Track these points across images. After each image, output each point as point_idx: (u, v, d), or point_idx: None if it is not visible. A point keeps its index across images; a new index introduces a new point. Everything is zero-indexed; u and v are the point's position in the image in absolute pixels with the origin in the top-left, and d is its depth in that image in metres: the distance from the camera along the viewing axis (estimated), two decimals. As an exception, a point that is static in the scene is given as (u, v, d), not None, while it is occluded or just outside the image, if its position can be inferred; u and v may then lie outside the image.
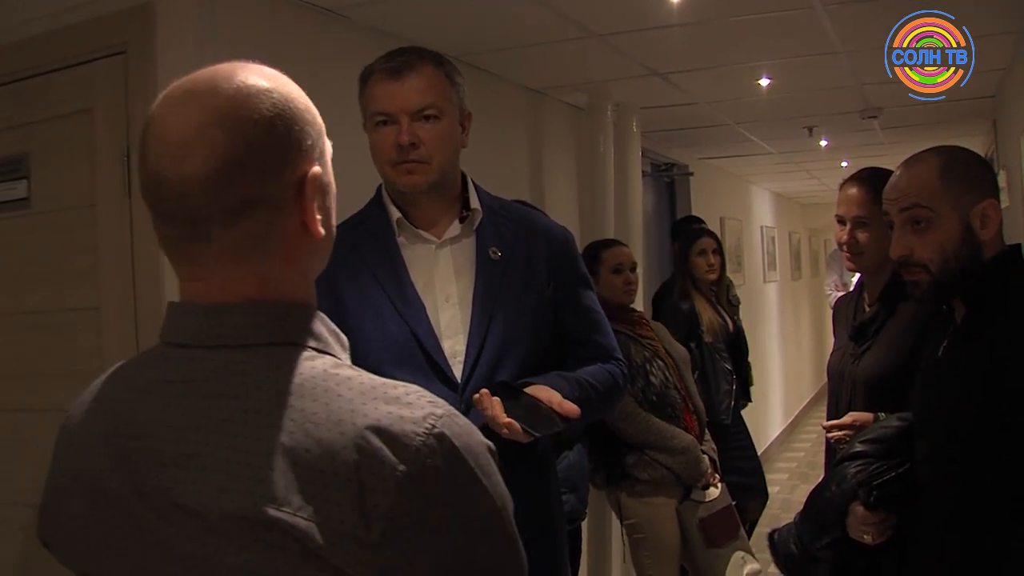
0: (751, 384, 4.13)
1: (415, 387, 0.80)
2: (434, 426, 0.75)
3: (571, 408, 1.52)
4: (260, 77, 0.81)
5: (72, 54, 2.27)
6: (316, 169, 0.83)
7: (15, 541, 2.32)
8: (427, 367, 1.62)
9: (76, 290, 2.27)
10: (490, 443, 0.81)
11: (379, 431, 0.74)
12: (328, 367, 0.80)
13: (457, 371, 1.64)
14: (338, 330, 0.87)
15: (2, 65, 2.39)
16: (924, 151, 1.62)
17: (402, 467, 0.73)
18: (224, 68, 0.81)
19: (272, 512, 0.72)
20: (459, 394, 1.60)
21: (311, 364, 0.79)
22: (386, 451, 0.73)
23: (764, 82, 3.88)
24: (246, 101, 0.78)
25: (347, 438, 0.73)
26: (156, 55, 2.13)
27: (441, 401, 0.79)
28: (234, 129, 0.77)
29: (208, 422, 0.77)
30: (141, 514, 0.78)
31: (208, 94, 0.79)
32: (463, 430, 0.78)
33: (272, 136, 0.79)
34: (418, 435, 0.74)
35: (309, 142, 0.83)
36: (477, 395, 1.51)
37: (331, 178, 0.87)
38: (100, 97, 2.23)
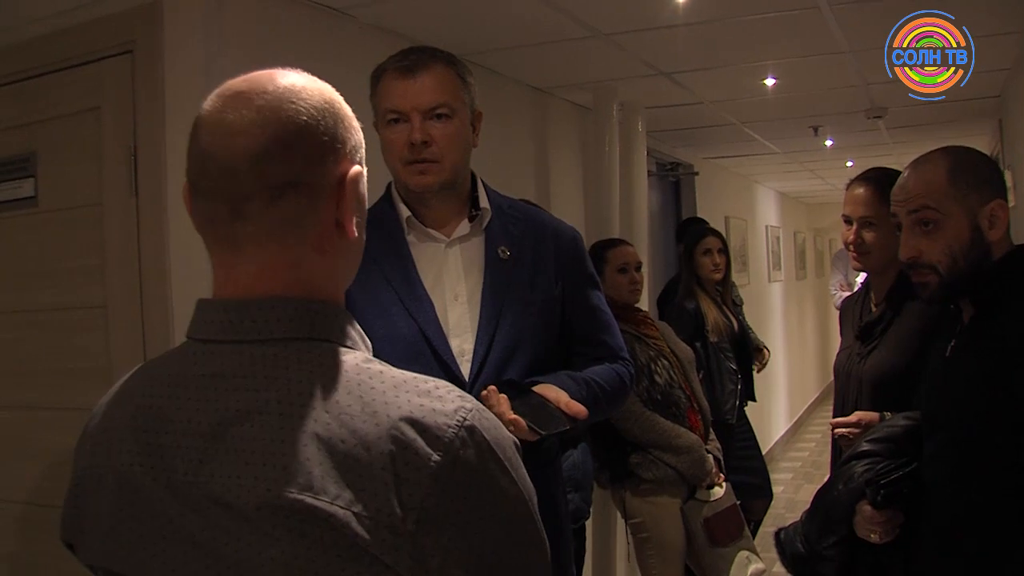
0: (764, 362, 4.21)
1: (443, 382, 0.82)
2: (465, 419, 0.77)
3: (578, 409, 1.52)
4: (309, 78, 0.87)
5: (79, 53, 2.27)
6: (357, 168, 0.86)
7: (18, 538, 2.32)
8: (435, 365, 1.61)
9: (82, 288, 2.28)
10: (515, 438, 0.83)
11: (413, 422, 0.76)
12: (359, 361, 0.81)
13: (465, 369, 1.64)
14: (363, 332, 0.88)
15: (9, 64, 2.39)
16: (932, 152, 1.61)
17: (436, 458, 0.75)
18: (274, 70, 0.86)
19: (308, 500, 0.73)
20: (467, 392, 1.60)
21: (343, 359, 0.81)
22: (420, 442, 0.75)
23: (769, 82, 3.87)
24: (298, 94, 0.83)
25: (382, 429, 0.75)
26: (163, 54, 2.14)
27: (468, 396, 0.81)
28: (285, 116, 0.81)
29: (241, 414, 0.78)
30: (173, 509, 0.78)
31: (261, 89, 0.83)
32: (491, 424, 0.80)
33: (319, 126, 0.83)
34: (450, 427, 0.76)
35: (352, 144, 0.87)
36: (485, 392, 1.50)
37: (365, 190, 0.89)
38: (107, 96, 2.23)
